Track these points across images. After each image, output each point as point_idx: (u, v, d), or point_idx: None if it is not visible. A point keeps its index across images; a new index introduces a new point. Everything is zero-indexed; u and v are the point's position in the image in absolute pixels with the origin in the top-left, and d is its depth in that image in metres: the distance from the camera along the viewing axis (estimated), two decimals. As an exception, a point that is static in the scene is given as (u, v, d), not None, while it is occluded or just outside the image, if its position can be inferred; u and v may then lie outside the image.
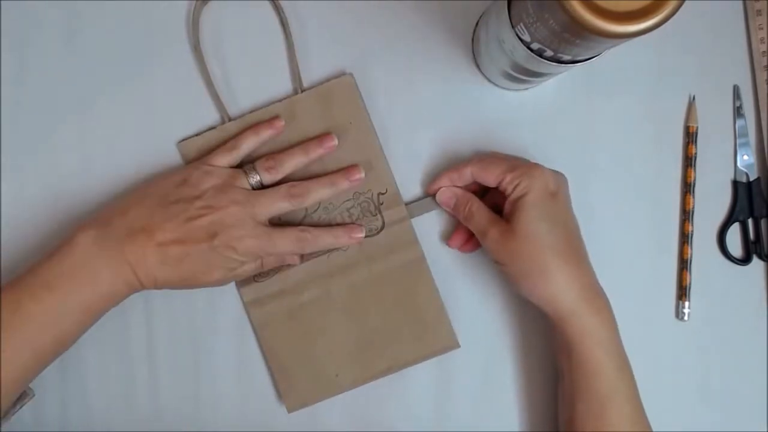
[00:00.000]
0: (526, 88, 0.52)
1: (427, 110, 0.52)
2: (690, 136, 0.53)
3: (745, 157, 0.53)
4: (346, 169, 0.50)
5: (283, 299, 0.51)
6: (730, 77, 0.53)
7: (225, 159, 0.48)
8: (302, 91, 0.51)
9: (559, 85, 0.52)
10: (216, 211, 0.44)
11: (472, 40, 0.52)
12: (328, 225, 0.51)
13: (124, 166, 0.51)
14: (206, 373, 0.52)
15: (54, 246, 0.44)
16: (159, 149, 0.51)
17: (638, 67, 0.53)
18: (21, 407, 0.51)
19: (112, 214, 0.45)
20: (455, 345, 0.52)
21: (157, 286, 0.45)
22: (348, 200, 0.51)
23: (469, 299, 0.52)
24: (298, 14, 0.51)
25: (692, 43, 0.53)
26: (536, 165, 0.46)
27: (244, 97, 0.51)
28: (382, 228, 0.51)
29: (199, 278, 0.45)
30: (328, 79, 0.51)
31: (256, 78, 0.51)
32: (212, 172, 0.47)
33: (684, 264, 0.53)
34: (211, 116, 0.51)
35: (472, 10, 0.52)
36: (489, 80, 0.52)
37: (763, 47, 0.53)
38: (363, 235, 0.50)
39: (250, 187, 0.47)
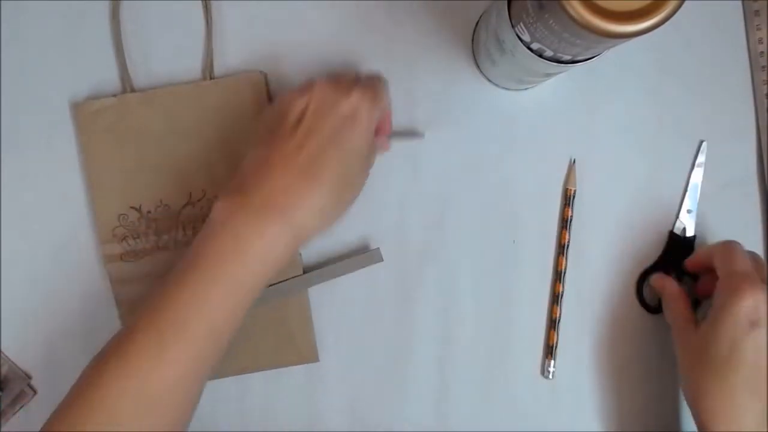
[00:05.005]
0: (526, 88, 0.52)
1: (427, 110, 0.52)
2: (567, 199, 0.52)
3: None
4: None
5: (150, 283, 0.50)
6: (728, 77, 0.53)
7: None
8: (211, 79, 0.51)
9: (559, 85, 0.52)
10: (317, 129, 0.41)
11: (472, 40, 0.52)
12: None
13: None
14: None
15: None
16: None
17: (638, 67, 0.53)
18: (21, 408, 0.51)
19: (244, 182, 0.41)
20: (315, 359, 0.51)
21: (320, 225, 0.42)
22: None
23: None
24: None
25: (692, 43, 0.53)
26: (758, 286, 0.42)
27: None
28: None
29: (354, 176, 0.43)
30: (238, 73, 0.51)
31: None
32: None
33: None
34: (115, 84, 0.51)
35: (472, 10, 0.52)
36: (489, 80, 0.52)
37: (762, 47, 0.53)
38: None
39: None
